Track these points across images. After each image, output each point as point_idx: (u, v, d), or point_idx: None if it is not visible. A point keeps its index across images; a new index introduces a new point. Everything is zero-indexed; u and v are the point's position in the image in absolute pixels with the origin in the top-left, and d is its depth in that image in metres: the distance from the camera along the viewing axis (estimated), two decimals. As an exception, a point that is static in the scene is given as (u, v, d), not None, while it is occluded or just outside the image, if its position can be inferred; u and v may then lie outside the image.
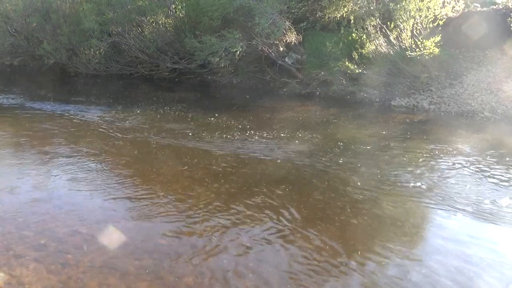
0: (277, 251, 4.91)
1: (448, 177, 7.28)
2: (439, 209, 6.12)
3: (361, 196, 6.42)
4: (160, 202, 6.13)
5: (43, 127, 10.29)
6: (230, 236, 5.19)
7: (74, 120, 10.87)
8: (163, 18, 18.14)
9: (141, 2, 18.50)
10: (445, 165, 7.93)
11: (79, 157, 8.06)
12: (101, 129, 10.07)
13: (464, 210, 6.00)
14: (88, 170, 7.37)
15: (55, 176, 7.11)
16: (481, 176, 7.35)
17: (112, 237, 5.11)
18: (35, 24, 20.59)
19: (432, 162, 8.10)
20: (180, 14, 18.19)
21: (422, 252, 4.99)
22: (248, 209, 5.92)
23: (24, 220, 5.47)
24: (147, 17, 18.04)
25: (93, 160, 7.89)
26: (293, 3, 16.28)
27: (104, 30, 18.32)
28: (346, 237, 5.25)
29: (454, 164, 7.98)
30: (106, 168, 7.53)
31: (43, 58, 20.01)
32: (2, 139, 9.27)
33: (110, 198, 6.28)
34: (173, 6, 18.15)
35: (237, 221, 5.55)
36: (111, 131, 9.92)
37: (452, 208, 6.08)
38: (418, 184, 6.94)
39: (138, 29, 18.18)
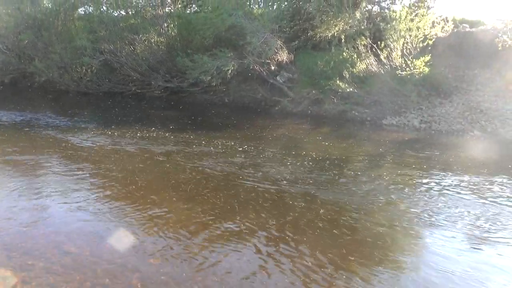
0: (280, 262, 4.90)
1: (437, 197, 7.28)
2: (427, 227, 6.13)
3: (346, 216, 6.40)
4: (154, 220, 6.07)
5: (29, 145, 10.19)
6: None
7: (64, 140, 10.76)
8: (156, 37, 18.21)
9: (133, 20, 18.61)
10: (434, 184, 7.93)
11: (67, 175, 8.00)
12: (90, 147, 10.03)
13: (451, 228, 6.00)
14: (77, 188, 7.32)
15: (44, 195, 7.01)
16: (470, 195, 7.36)
17: (101, 258, 5.04)
18: (26, 41, 20.59)
19: (421, 182, 8.10)
20: (173, 33, 18.29)
21: (408, 268, 4.98)
22: (233, 228, 5.88)
23: (11, 240, 5.38)
24: (139, 35, 18.11)
25: (80, 178, 7.84)
26: (285, 22, 16.41)
27: (96, 48, 18.32)
28: (331, 255, 5.21)
29: (443, 183, 7.99)
30: (95, 186, 7.46)
31: (35, 76, 20.00)
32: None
33: (100, 217, 6.19)
34: (165, 24, 18.26)
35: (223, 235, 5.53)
36: (97, 148, 9.89)
37: (440, 227, 6.09)
38: (407, 204, 6.95)
39: (130, 47, 18.23)
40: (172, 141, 10.75)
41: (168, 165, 8.82)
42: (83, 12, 21.06)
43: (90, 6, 20.05)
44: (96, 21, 19.03)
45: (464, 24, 17.10)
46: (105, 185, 7.56)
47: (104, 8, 19.28)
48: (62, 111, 15.49)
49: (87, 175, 8.09)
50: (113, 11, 19.24)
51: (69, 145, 10.29)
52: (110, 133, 11.53)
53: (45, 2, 20.79)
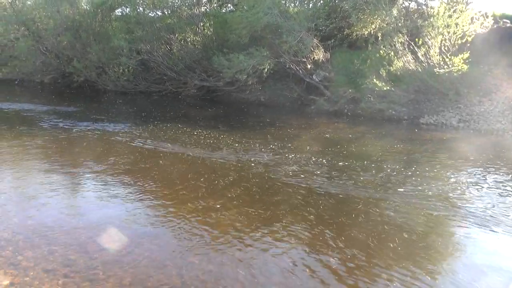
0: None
1: (478, 195, 7.19)
2: (462, 225, 6.12)
3: (386, 215, 6.36)
4: (198, 219, 6.12)
5: (72, 142, 10.52)
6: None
7: (105, 138, 10.95)
8: (192, 36, 18.42)
9: (170, 20, 18.82)
10: (474, 185, 7.82)
11: (108, 172, 8.17)
12: (130, 145, 10.14)
13: (486, 225, 5.94)
14: (117, 185, 7.49)
15: (85, 191, 7.25)
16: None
17: (141, 253, 5.15)
18: (65, 42, 21.08)
19: (460, 181, 7.99)
20: (208, 32, 18.47)
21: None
22: (274, 227, 5.85)
23: (54, 234, 5.53)
24: (175, 35, 18.34)
25: (122, 175, 8.00)
26: (321, 20, 16.35)
27: (133, 48, 18.62)
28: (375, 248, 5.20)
29: (482, 182, 7.89)
30: (137, 184, 7.59)
31: (73, 76, 20.43)
32: (32, 154, 9.38)
33: (142, 214, 6.30)
34: (201, 24, 18.42)
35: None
36: (141, 147, 10.01)
37: (479, 225, 6.06)
38: (448, 205, 6.87)
39: (166, 46, 18.51)
40: (211, 141, 10.84)
41: (207, 164, 8.93)
42: (120, 13, 21.41)
43: (127, 7, 20.36)
44: (133, 22, 19.35)
45: (504, 20, 16.77)
46: (145, 181, 7.69)
47: (141, 8, 19.55)
48: (100, 109, 15.77)
49: (127, 171, 8.28)
50: (149, 12, 19.48)
51: (108, 143, 10.52)
52: (148, 131, 11.75)
53: (83, 4, 21.21)
